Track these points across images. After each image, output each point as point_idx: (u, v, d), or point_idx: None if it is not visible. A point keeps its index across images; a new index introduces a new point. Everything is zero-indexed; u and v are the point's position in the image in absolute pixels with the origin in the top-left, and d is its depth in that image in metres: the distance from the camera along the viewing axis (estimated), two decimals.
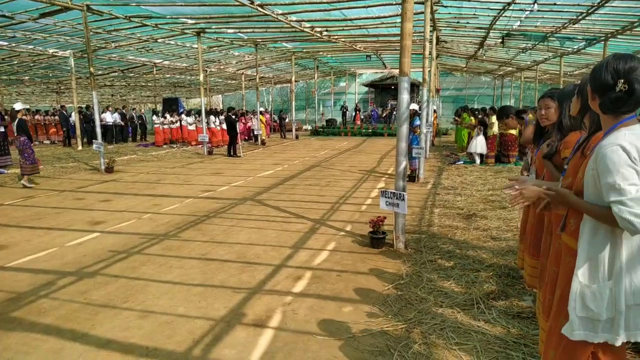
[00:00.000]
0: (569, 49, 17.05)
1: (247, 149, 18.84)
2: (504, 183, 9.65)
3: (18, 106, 9.82)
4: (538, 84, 24.63)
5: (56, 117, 22.67)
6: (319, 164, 13.68)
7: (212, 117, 19.51)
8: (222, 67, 26.32)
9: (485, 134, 12.98)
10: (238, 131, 16.62)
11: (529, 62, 22.90)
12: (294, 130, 24.95)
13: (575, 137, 2.90)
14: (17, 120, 9.82)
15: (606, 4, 10.16)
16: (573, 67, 22.59)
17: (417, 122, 10.46)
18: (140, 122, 23.76)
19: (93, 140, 14.61)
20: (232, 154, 16.02)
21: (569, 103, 2.96)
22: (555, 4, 10.63)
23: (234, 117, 16.59)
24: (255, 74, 22.43)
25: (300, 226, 6.58)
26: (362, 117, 32.07)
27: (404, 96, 5.23)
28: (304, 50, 23.61)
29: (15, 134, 9.85)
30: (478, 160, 12.96)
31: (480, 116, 13.71)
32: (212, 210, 7.63)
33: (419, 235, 5.97)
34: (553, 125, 3.36)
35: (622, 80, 2.05)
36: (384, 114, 29.43)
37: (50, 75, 23.87)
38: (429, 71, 14.29)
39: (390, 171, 11.90)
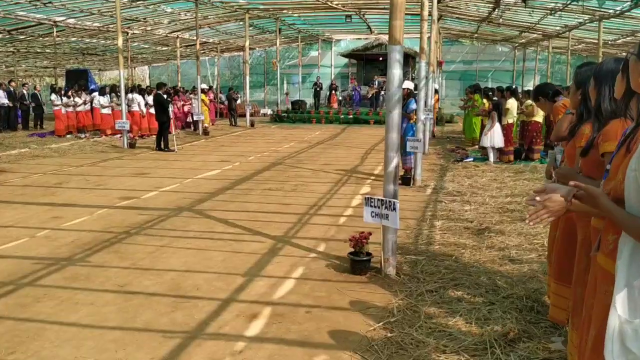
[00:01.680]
0: (610, 11, 17.63)
1: (184, 140, 18.67)
2: (525, 187, 9.89)
3: None
4: (570, 56, 25.34)
5: None
6: (283, 161, 13.69)
7: (135, 97, 19.24)
8: (149, 28, 25.98)
9: (501, 122, 13.28)
10: (171, 116, 16.43)
11: (558, 28, 23.57)
12: (248, 115, 24.91)
13: (618, 126, 2.96)
14: None
15: None
16: (615, 35, 23.38)
17: (413, 106, 10.62)
18: (34, 103, 23.18)
19: None
20: (162, 147, 15.86)
21: (610, 82, 3.04)
22: None
23: (165, 96, 16.39)
24: (195, 37, 22.23)
25: (256, 246, 6.55)
26: (339, 98, 32.29)
27: (395, 71, 5.29)
28: (262, 7, 23.60)
29: None
30: (492, 157, 13.25)
31: (495, 99, 14.01)
32: (134, 224, 7.52)
33: (416, 257, 6.04)
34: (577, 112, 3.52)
35: None
36: (370, 95, 29.69)
37: None
38: (429, 38, 14.51)
39: (378, 171, 12.02)
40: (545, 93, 5.14)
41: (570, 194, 2.43)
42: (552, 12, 19.11)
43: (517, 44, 32.95)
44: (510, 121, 13.24)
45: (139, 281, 5.43)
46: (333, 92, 31.72)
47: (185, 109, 22.96)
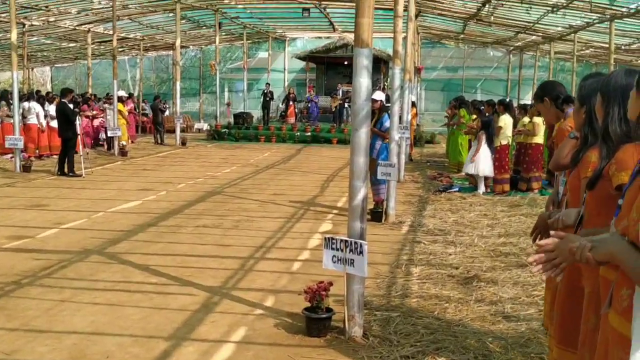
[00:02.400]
0: (624, 9, 18.26)
1: (95, 162, 18.42)
2: (522, 225, 10.07)
3: None
4: (577, 62, 26.19)
5: None
6: (222, 191, 13.65)
7: (32, 106, 18.90)
8: (52, 19, 25.69)
9: (491, 143, 13.56)
10: (79, 132, 16.17)
11: (561, 29, 24.34)
12: (178, 130, 24.81)
13: (633, 152, 2.99)
14: None
15: None
16: (629, 38, 24.27)
17: (387, 123, 10.75)
18: None
19: None
20: (66, 171, 15.59)
21: (620, 99, 3.12)
22: None
23: (72, 106, 16.16)
24: (111, 31, 22.11)
25: (185, 300, 6.46)
26: (297, 110, 32.40)
27: (363, 80, 5.35)
28: None
29: None
30: (482, 187, 13.50)
31: (487, 115, 14.31)
32: (26, 272, 7.33)
33: (388, 314, 6.05)
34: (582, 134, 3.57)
35: None
36: (333, 107, 29.95)
37: None
38: (405, 39, 14.77)
39: (342, 203, 12.09)
40: (553, 94, 4.92)
41: (583, 250, 2.43)
42: (554, 9, 19.71)
43: (512, 48, 33.89)
44: (504, 143, 13.53)
45: (31, 347, 5.27)
46: (291, 102, 31.55)
47: (97, 122, 22.70)
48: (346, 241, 5.44)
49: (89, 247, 8.55)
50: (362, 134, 5.48)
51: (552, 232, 2.74)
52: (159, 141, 25.38)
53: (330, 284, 5.75)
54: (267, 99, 31.15)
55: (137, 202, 12.12)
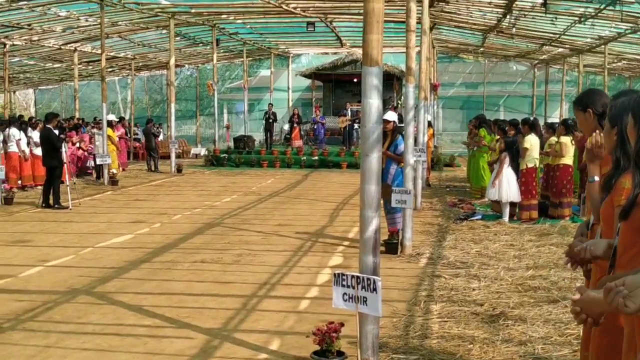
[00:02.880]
0: None
1: (83, 192, 18.45)
2: (553, 255, 10.00)
3: None
4: (608, 76, 26.21)
5: None
6: (222, 222, 13.64)
7: (13, 133, 18.96)
8: (35, 37, 25.95)
9: (517, 166, 13.54)
10: (65, 160, 16.23)
11: (590, 40, 24.37)
12: (173, 156, 24.86)
13: None
14: None
15: None
16: None
17: (402, 146, 10.76)
18: None
19: None
20: (52, 203, 15.62)
21: None
22: None
23: (57, 132, 16.23)
24: (99, 50, 22.30)
25: (182, 344, 6.44)
26: (302, 132, 32.38)
27: (373, 101, 5.38)
28: (193, 10, 23.88)
29: None
30: (508, 214, 13.44)
31: (510, 134, 14.27)
32: (8, 315, 7.32)
33: (406, 357, 6.01)
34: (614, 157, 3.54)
35: None
36: (342, 127, 29.96)
37: None
38: (419, 53, 14.83)
39: (353, 234, 12.04)
40: (598, 107, 4.51)
41: (614, 298, 2.37)
42: (582, 19, 19.79)
43: (536, 61, 33.94)
44: (531, 165, 13.47)
45: None
46: (295, 125, 31.41)
47: (85, 148, 22.78)
48: (358, 277, 5.41)
49: (77, 286, 8.53)
50: (373, 160, 5.49)
51: (573, 297, 2.73)
52: (153, 168, 25.46)
53: (342, 324, 5.72)
54: (270, 120, 30.96)
55: (128, 235, 12.10)
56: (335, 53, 35.12)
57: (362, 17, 5.56)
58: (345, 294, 5.48)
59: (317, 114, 32.03)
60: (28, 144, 19.24)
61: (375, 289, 5.32)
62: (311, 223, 13.52)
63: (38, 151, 18.07)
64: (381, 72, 5.44)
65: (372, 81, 5.40)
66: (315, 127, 31.39)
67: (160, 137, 28.13)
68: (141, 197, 18.08)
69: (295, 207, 15.89)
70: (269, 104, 32.34)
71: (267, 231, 12.59)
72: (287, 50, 36.46)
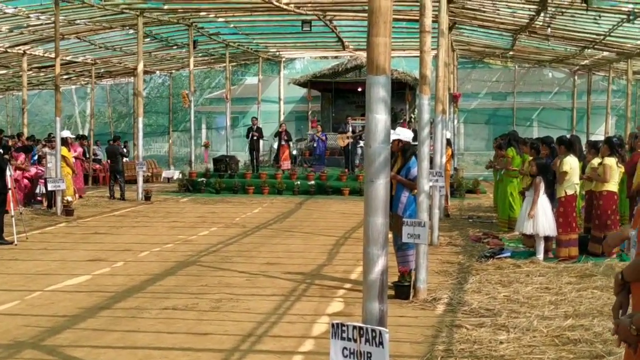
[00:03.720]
0: None
1: (31, 224, 18.44)
2: (597, 301, 9.90)
3: None
4: None
5: None
6: (198, 260, 13.60)
7: None
8: None
9: (552, 193, 13.43)
10: (10, 185, 16.14)
11: None
12: (140, 181, 24.79)
13: None
14: None
15: None
16: None
17: (415, 169, 10.63)
18: None
19: None
20: None
21: None
22: None
23: (2, 151, 16.19)
24: (53, 54, 22.29)
25: None
26: (294, 152, 32.39)
27: (380, 116, 5.28)
28: (166, 7, 23.90)
29: None
30: (542, 251, 13.30)
31: (543, 155, 14.19)
32: None
33: None
34: None
35: None
36: (345, 145, 29.89)
37: None
38: (435, 57, 14.78)
39: (357, 275, 11.98)
40: None
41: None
42: (630, 17, 19.79)
43: (576, 67, 34.02)
44: (570, 192, 13.37)
45: None
46: (283, 143, 31.42)
47: (33, 172, 22.68)
48: (361, 328, 5.31)
49: (22, 338, 8.42)
50: (380, 186, 5.39)
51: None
52: (118, 195, 25.36)
53: None
54: (255, 137, 30.81)
55: (85, 277, 12.01)
56: (335, 57, 35.31)
57: (367, 15, 5.50)
58: (345, 348, 5.38)
59: (318, 130, 31.79)
60: None
61: (381, 343, 5.22)
62: (306, 261, 13.45)
63: None
64: (389, 81, 5.35)
65: (378, 93, 5.31)
66: (315, 145, 31.26)
67: (126, 158, 28.06)
68: (101, 229, 18.02)
69: (287, 242, 15.83)
70: (253, 117, 32.19)
71: (253, 271, 12.51)
72: (278, 53, 36.61)
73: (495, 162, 18.16)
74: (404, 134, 10.80)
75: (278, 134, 31.81)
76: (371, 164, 5.44)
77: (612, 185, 13.55)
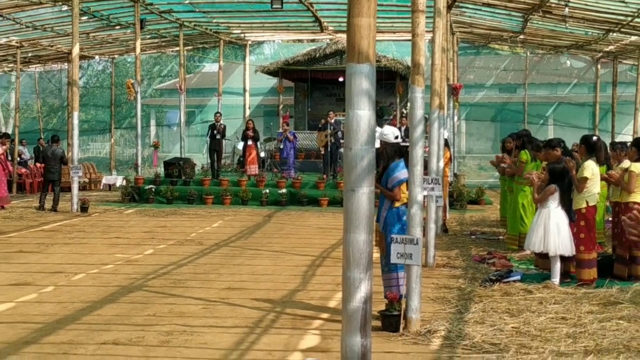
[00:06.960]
0: None
1: None
2: (623, 334, 9.94)
3: None
4: None
5: None
6: (144, 284, 13.61)
7: None
8: None
9: (568, 204, 13.46)
10: None
11: None
12: (75, 188, 24.69)
13: None
14: None
15: None
16: None
17: (401, 174, 10.59)
18: None
19: None
20: None
21: None
22: None
23: None
24: None
25: None
26: (262, 155, 32.31)
27: (361, 112, 5.31)
28: None
29: None
30: (558, 274, 13.29)
31: (559, 160, 14.21)
32: None
33: None
34: None
35: None
36: (321, 147, 29.88)
37: None
38: (431, 42, 14.83)
39: (336, 303, 11.96)
40: None
41: None
42: None
43: (600, 54, 34.16)
44: (592, 204, 13.36)
45: None
46: (250, 142, 31.22)
47: None
48: None
49: None
50: (362, 197, 5.41)
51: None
52: (51, 207, 25.16)
53: None
54: (217, 135, 30.75)
55: (7, 304, 11.94)
56: (312, 41, 35.39)
57: None
58: None
59: (284, 128, 31.37)
60: None
61: None
62: (275, 286, 13.44)
63: None
64: (374, 70, 5.37)
65: (361, 84, 5.34)
66: (282, 145, 31.04)
67: (62, 163, 27.84)
68: (27, 247, 17.93)
69: (253, 263, 15.84)
70: (217, 113, 32.00)
71: (211, 298, 12.49)
72: (242, 36, 36.60)
73: (503, 165, 17.83)
74: (391, 132, 10.65)
75: (244, 132, 31.49)
76: (352, 170, 5.44)
77: (639, 196, 13.46)
